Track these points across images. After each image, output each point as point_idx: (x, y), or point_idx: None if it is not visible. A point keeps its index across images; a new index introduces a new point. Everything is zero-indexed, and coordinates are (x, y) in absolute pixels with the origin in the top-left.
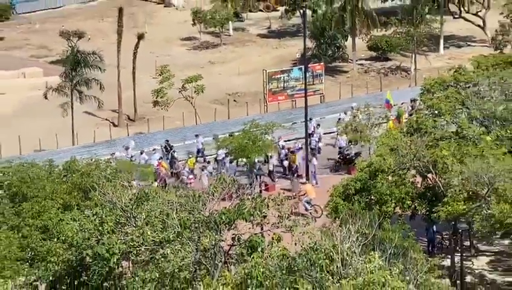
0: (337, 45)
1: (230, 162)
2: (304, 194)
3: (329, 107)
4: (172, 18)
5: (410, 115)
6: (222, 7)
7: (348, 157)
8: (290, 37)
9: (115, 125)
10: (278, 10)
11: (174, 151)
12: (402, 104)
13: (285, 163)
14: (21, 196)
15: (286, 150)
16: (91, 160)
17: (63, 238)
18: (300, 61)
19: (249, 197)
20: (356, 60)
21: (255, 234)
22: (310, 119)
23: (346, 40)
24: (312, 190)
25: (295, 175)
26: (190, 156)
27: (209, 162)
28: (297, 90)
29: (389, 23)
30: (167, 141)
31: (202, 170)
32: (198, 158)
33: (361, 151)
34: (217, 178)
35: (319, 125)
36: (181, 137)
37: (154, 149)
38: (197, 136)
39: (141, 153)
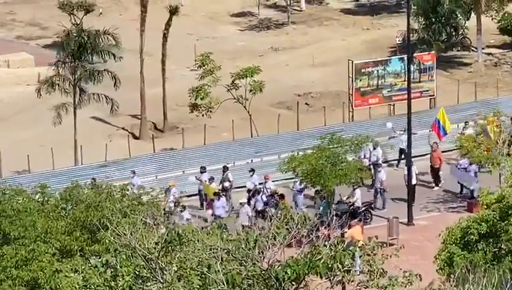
0: (455, 25)
1: (181, 210)
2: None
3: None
4: None
5: None
6: None
7: (350, 210)
8: (388, 14)
9: (135, 137)
10: None
11: None
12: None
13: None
14: (1, 236)
15: (268, 193)
16: (101, 186)
17: None
18: (402, 49)
19: (326, 242)
20: (482, 48)
21: None
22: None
23: (468, 19)
24: (359, 233)
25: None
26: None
27: None
28: (397, 90)
29: None
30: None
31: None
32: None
33: (374, 201)
34: (280, 216)
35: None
36: (229, 156)
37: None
38: (133, 173)
39: (133, 173)
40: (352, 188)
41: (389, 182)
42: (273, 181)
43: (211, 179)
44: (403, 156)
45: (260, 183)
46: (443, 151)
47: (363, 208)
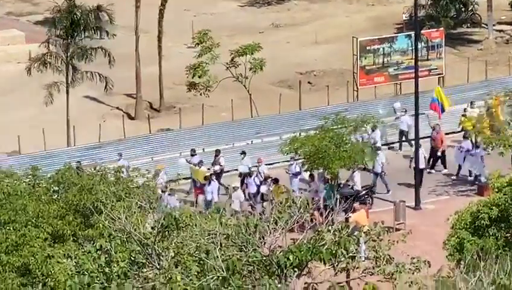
0: (464, 1)
1: (170, 194)
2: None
3: (452, 95)
4: None
5: None
6: None
7: (352, 195)
8: None
9: (130, 118)
10: None
11: None
12: None
13: (263, 189)
14: None
15: (261, 178)
16: (94, 168)
17: (52, 283)
18: (409, 25)
19: (330, 227)
20: (493, 25)
21: (338, 283)
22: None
23: None
24: (364, 218)
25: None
26: None
27: None
28: (404, 68)
29: None
30: None
31: None
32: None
33: (374, 185)
34: (281, 199)
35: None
36: (228, 137)
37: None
38: (120, 155)
39: (120, 156)
40: (352, 171)
41: (392, 165)
42: (274, 163)
43: (200, 163)
44: (403, 139)
45: (254, 166)
46: (447, 134)
47: (363, 192)
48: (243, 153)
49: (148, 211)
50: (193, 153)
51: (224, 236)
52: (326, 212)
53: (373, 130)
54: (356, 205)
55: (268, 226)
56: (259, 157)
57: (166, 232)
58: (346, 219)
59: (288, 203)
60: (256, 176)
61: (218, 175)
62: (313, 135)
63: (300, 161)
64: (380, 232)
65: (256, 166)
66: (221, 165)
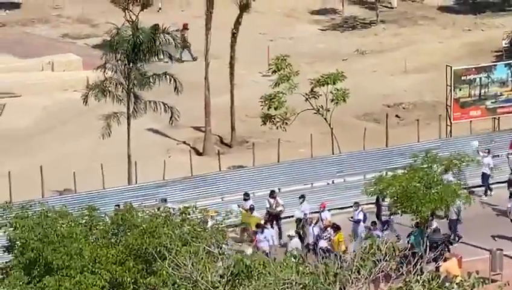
0: None
1: None
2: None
3: None
4: None
5: None
6: None
7: (443, 242)
8: (493, 13)
9: (198, 153)
10: None
11: None
12: None
13: (322, 244)
14: (43, 266)
15: (322, 225)
16: (157, 209)
17: None
18: (509, 53)
19: (419, 277)
20: None
21: None
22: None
23: None
24: (456, 267)
25: None
26: None
27: None
28: (503, 100)
29: None
30: None
31: None
32: None
33: (455, 235)
34: (364, 244)
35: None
36: (307, 176)
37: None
38: (164, 201)
39: (164, 202)
40: (430, 217)
41: (486, 210)
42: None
43: (251, 209)
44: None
45: (315, 212)
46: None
47: (440, 241)
48: (302, 197)
49: (216, 256)
50: (246, 198)
51: (301, 286)
52: (415, 260)
53: (446, 172)
54: (448, 253)
55: (349, 275)
56: (323, 202)
57: (237, 280)
58: (437, 268)
59: (372, 250)
60: (316, 224)
61: (280, 218)
62: (400, 175)
63: (365, 206)
64: (475, 283)
65: (318, 212)
66: (282, 207)
